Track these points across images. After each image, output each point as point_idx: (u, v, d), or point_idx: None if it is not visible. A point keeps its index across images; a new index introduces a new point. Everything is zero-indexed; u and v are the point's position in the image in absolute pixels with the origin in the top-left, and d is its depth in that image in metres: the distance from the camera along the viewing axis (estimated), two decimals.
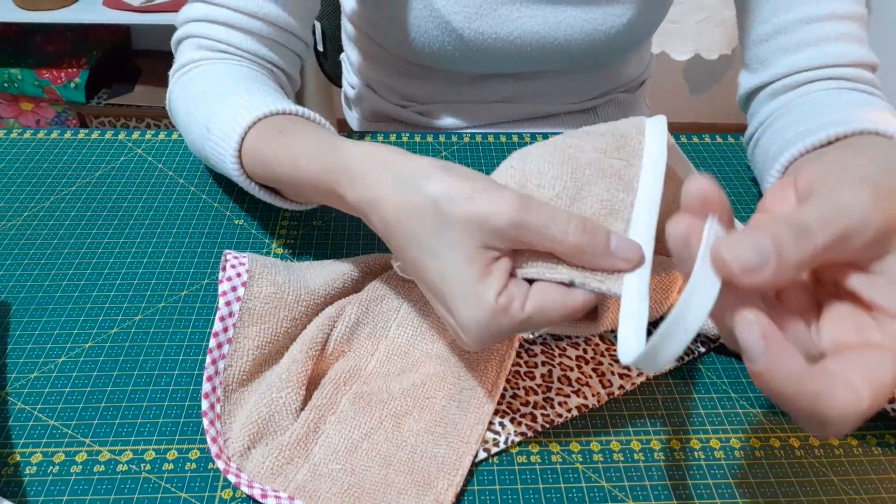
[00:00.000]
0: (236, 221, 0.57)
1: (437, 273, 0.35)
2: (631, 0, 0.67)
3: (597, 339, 0.48)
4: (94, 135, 0.66)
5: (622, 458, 0.42)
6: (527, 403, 0.44)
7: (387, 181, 0.37)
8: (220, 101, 0.50)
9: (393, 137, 0.66)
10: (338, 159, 0.40)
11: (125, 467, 0.40)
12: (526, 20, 0.66)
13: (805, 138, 0.48)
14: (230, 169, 0.49)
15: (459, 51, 0.67)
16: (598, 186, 0.36)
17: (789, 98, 0.57)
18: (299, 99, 1.62)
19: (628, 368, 0.46)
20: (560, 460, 0.42)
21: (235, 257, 0.45)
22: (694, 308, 0.27)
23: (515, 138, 0.68)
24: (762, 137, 0.57)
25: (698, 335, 0.48)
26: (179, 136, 0.66)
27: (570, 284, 0.34)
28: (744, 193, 0.61)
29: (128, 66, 1.75)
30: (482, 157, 0.64)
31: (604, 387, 0.45)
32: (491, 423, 0.43)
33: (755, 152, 0.59)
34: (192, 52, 0.57)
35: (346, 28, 0.81)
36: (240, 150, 0.48)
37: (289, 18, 0.58)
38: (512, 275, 0.35)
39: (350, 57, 0.83)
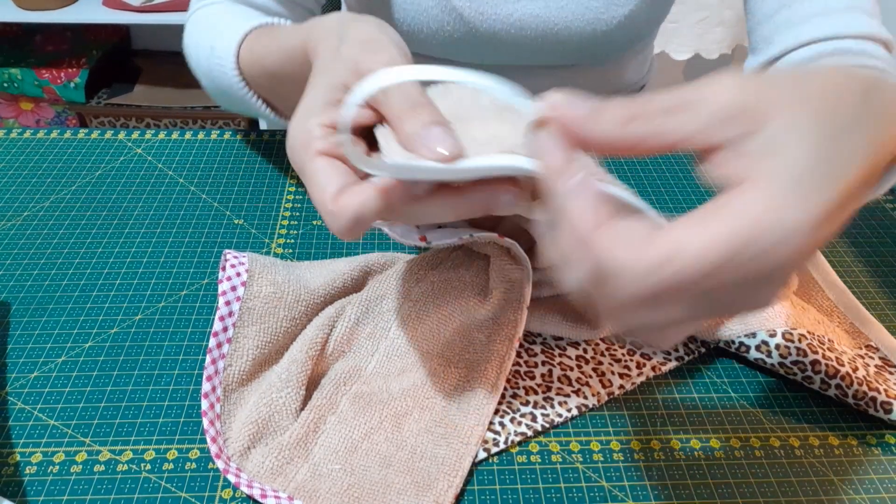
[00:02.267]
0: (236, 221, 0.57)
1: (310, 82, 0.37)
2: None
3: (597, 339, 0.48)
4: (94, 135, 0.66)
5: (622, 458, 0.42)
6: (527, 403, 0.44)
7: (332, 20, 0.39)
8: (224, 26, 0.55)
9: None
10: (312, 25, 0.41)
11: (125, 467, 0.40)
12: (527, 3, 0.66)
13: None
14: (230, 77, 0.53)
15: (459, 31, 0.67)
16: (489, 122, 0.34)
17: None
18: None
19: (628, 368, 0.46)
20: (560, 460, 0.42)
21: (235, 257, 0.45)
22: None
23: None
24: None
25: (696, 337, 0.48)
26: (179, 135, 0.66)
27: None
28: None
29: (128, 66, 1.75)
30: None
31: (604, 387, 0.45)
32: (491, 423, 0.43)
33: None
34: (205, 2, 0.62)
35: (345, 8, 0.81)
36: (237, 57, 0.52)
37: None
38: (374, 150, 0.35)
39: None
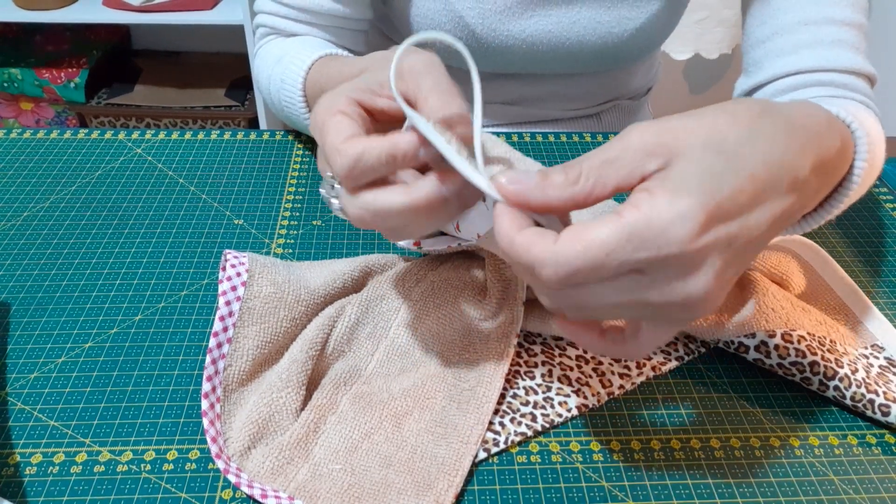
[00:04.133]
0: (236, 221, 0.57)
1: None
2: (645, 5, 0.67)
3: None
4: (94, 135, 0.66)
5: (622, 458, 0.42)
6: (527, 403, 0.44)
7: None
8: (291, 59, 0.58)
9: None
10: (371, 55, 0.45)
11: (125, 467, 0.40)
12: (539, 19, 0.66)
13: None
14: (298, 109, 0.57)
15: (470, 46, 0.67)
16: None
17: None
18: None
19: (628, 368, 0.46)
20: (560, 460, 0.42)
21: (235, 257, 0.45)
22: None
23: (515, 138, 0.68)
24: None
25: (696, 337, 0.48)
26: (179, 135, 0.66)
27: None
28: None
29: (128, 65, 1.75)
30: None
31: (604, 387, 0.45)
32: (491, 423, 0.43)
33: None
34: (264, 38, 0.67)
35: None
36: (304, 88, 0.56)
37: (344, 9, 0.64)
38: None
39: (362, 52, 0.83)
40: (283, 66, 0.59)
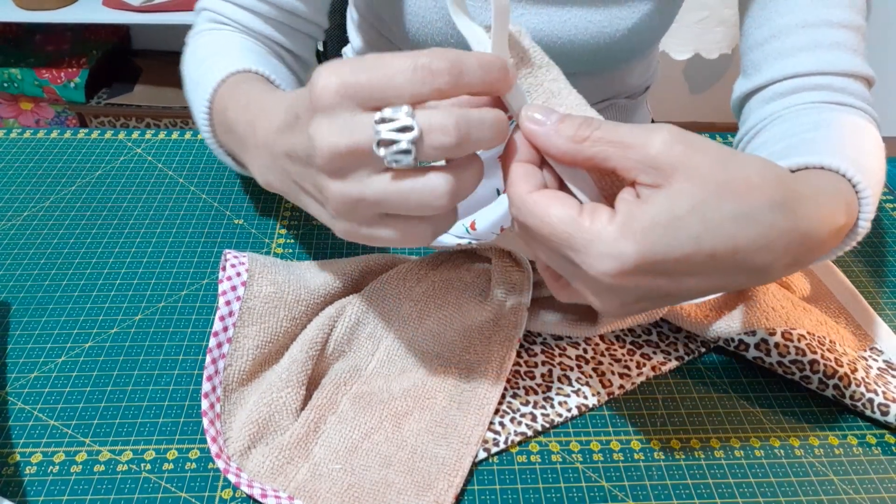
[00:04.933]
0: (236, 221, 0.57)
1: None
2: (638, 5, 0.67)
3: (597, 339, 0.48)
4: (94, 135, 0.66)
5: (622, 458, 0.42)
6: (527, 403, 0.44)
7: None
8: (212, 64, 0.53)
9: None
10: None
11: (125, 467, 0.40)
12: (530, 17, 0.66)
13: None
14: (202, 125, 0.51)
15: (462, 44, 0.67)
16: None
17: (777, 108, 0.56)
18: None
19: (628, 368, 0.46)
20: (560, 460, 0.42)
21: (235, 257, 0.45)
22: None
23: None
24: (747, 147, 0.57)
25: (698, 336, 0.48)
26: (179, 135, 0.66)
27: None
28: None
29: (128, 65, 1.75)
30: None
31: (604, 387, 0.45)
32: (491, 423, 0.43)
33: None
34: (205, 23, 0.61)
35: (353, 17, 0.81)
36: (211, 105, 0.50)
37: (298, 3, 0.60)
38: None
39: (355, 49, 0.83)
40: (202, 69, 0.53)
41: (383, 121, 0.31)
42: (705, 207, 0.30)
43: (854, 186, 0.41)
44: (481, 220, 0.42)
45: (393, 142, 0.31)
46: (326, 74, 0.32)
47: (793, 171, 0.42)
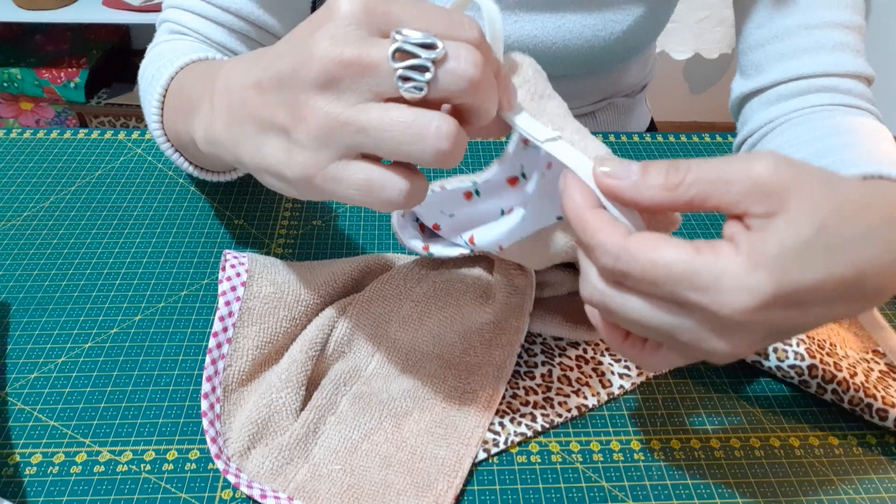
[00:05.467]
0: (236, 221, 0.57)
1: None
2: (631, 8, 0.66)
3: (597, 339, 0.48)
4: (94, 135, 0.66)
5: (622, 458, 0.42)
6: (527, 403, 0.44)
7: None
8: (172, 59, 0.50)
9: None
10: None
11: (125, 467, 0.40)
12: (524, 23, 0.66)
13: None
14: (151, 115, 0.49)
15: None
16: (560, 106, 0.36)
17: (783, 111, 0.56)
18: None
19: (628, 368, 0.46)
20: (560, 460, 0.42)
21: (235, 257, 0.45)
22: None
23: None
24: (753, 150, 0.57)
25: None
26: None
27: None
28: None
29: (128, 65, 1.75)
30: (483, 155, 0.64)
31: (604, 387, 0.45)
32: (491, 423, 0.43)
33: None
34: (165, 34, 0.59)
35: None
36: (165, 91, 0.49)
37: (265, 16, 0.58)
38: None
39: None
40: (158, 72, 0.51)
41: (405, 36, 0.29)
42: (828, 229, 0.29)
43: None
44: (480, 235, 0.42)
45: (411, 54, 0.28)
46: None
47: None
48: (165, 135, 0.51)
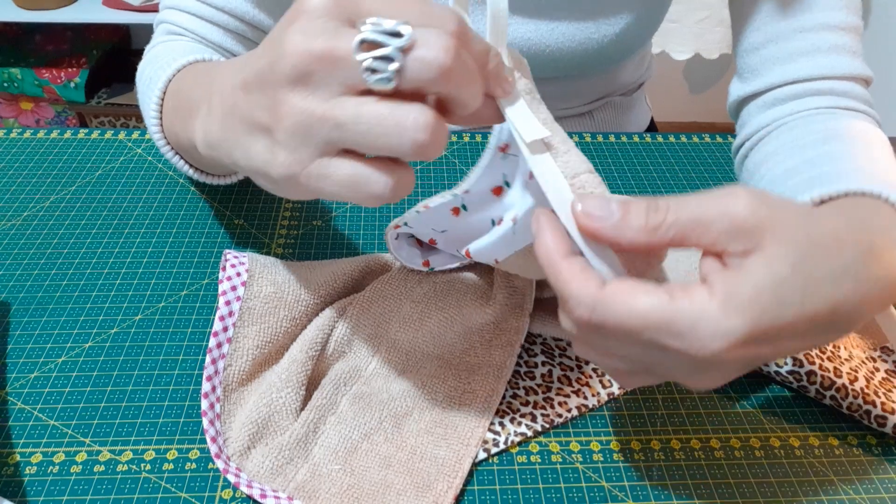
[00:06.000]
0: (236, 221, 0.57)
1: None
2: (624, 12, 0.66)
3: None
4: (94, 135, 0.66)
5: (622, 458, 0.42)
6: (527, 403, 0.44)
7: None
8: (169, 61, 0.50)
9: None
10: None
11: (125, 467, 0.40)
12: (518, 26, 0.66)
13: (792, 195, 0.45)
14: (150, 117, 0.49)
15: None
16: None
17: (780, 114, 0.56)
18: None
19: None
20: (560, 460, 0.42)
21: (235, 257, 0.45)
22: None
23: None
24: (751, 154, 0.56)
25: None
26: None
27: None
28: None
29: (128, 65, 1.75)
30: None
31: (604, 387, 0.45)
32: (491, 423, 0.43)
33: (742, 167, 0.58)
34: (162, 35, 0.59)
35: None
36: (164, 93, 0.49)
37: (261, 15, 0.58)
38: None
39: None
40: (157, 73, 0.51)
41: (372, 25, 0.28)
42: (803, 268, 0.29)
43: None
44: (475, 249, 0.42)
45: (377, 44, 0.27)
46: None
47: (833, 199, 0.42)
48: (165, 138, 0.51)
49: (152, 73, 0.52)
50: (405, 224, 0.44)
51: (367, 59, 0.27)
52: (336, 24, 0.29)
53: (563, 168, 0.33)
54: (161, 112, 0.50)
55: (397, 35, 0.27)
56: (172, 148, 0.51)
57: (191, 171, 0.52)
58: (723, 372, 0.31)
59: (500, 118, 0.34)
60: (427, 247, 0.48)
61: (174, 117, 0.47)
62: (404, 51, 0.27)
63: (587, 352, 0.34)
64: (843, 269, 0.30)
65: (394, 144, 0.28)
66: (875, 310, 0.33)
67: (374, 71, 0.28)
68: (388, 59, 0.27)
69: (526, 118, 0.33)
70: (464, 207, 0.41)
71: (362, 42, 0.27)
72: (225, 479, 0.40)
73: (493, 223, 0.41)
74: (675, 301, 0.29)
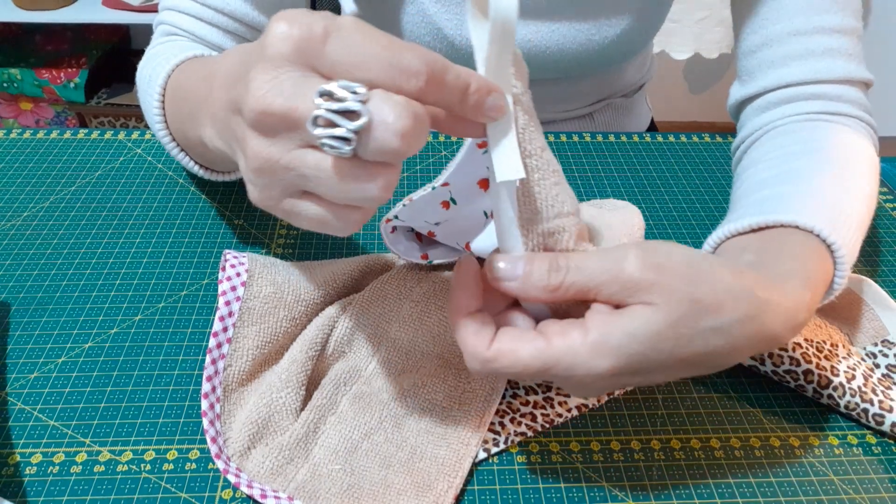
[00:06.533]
0: (236, 221, 0.57)
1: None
2: (624, 13, 0.66)
3: None
4: (94, 135, 0.66)
5: (622, 458, 0.42)
6: (527, 403, 0.44)
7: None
8: (167, 59, 0.51)
9: None
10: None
11: (125, 467, 0.40)
12: (518, 29, 0.66)
13: (733, 220, 0.45)
14: (157, 127, 0.50)
15: (451, 58, 0.67)
16: None
17: (771, 118, 0.55)
18: None
19: None
20: (560, 460, 0.42)
21: (235, 257, 0.45)
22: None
23: None
24: (743, 157, 0.57)
25: None
26: None
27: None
28: None
29: (127, 65, 1.75)
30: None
31: None
32: (491, 423, 0.43)
33: (736, 168, 0.58)
34: (161, 37, 0.59)
35: None
36: (164, 90, 0.49)
37: (260, 17, 0.58)
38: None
39: None
40: (155, 72, 0.51)
41: (329, 96, 0.27)
42: (680, 324, 0.33)
43: (829, 247, 0.42)
44: (474, 243, 0.42)
45: (333, 124, 0.27)
46: (289, 24, 0.28)
47: (770, 227, 0.44)
48: (170, 134, 0.51)
49: (150, 72, 0.52)
50: (396, 217, 0.44)
51: (322, 135, 0.27)
52: (301, 72, 0.29)
53: (548, 202, 0.35)
54: (164, 109, 0.50)
55: (354, 115, 0.27)
56: (178, 144, 0.51)
57: (196, 168, 0.52)
58: (601, 389, 0.36)
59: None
60: (427, 240, 0.48)
61: (178, 114, 0.48)
62: (361, 133, 0.27)
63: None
64: (718, 328, 0.34)
65: (357, 200, 0.29)
66: (746, 357, 0.39)
67: (331, 146, 0.28)
68: (343, 139, 0.27)
69: (508, 152, 0.32)
70: (453, 201, 0.41)
71: (317, 117, 0.27)
72: (225, 480, 0.40)
73: (487, 215, 0.41)
74: (551, 346, 0.33)
